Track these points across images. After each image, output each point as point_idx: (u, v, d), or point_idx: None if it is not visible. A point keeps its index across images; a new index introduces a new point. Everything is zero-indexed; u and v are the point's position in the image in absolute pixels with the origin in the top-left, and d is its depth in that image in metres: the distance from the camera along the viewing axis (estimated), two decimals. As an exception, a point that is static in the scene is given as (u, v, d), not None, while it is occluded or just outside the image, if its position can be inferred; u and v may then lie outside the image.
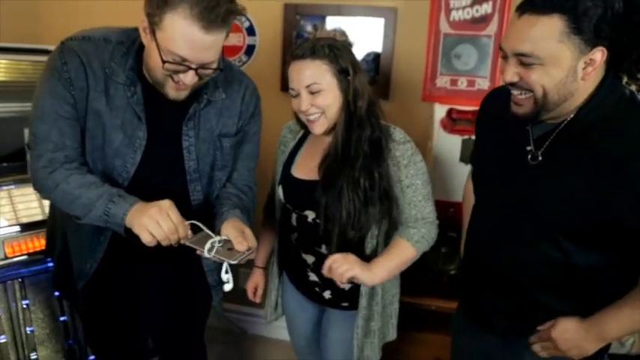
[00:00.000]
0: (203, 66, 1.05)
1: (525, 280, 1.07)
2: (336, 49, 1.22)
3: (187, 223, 1.04)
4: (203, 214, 1.22)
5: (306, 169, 1.35)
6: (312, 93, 1.22)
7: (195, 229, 1.06)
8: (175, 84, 1.07)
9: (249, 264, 1.31)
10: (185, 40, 0.99)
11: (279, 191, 1.39)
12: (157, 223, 0.99)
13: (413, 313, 1.74)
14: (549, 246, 1.02)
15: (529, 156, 1.03)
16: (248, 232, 1.07)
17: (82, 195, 1.07)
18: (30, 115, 1.14)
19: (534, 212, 1.03)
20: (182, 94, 1.11)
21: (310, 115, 1.25)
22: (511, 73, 0.95)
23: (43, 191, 1.17)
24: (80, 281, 1.29)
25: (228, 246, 1.01)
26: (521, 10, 0.92)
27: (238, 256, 0.99)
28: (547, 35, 0.89)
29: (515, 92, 0.98)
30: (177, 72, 1.05)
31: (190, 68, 1.04)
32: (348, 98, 1.23)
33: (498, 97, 1.10)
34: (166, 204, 1.02)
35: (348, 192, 1.23)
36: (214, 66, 1.08)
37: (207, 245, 1.00)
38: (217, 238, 1.02)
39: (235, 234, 1.04)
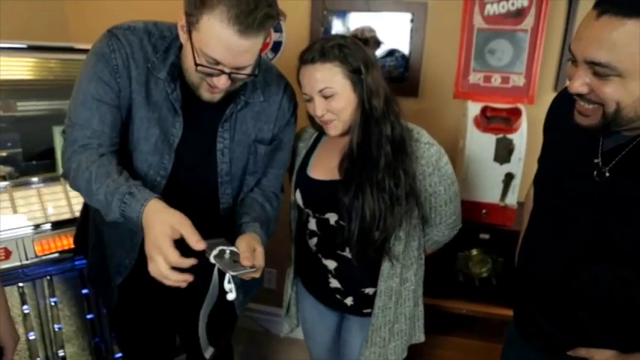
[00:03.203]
0: (237, 70, 1.03)
1: (571, 303, 0.99)
2: (346, 49, 1.17)
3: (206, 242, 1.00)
4: (230, 217, 1.19)
5: (323, 169, 1.32)
6: (325, 97, 1.19)
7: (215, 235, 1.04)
8: (209, 87, 1.06)
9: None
10: (220, 43, 0.96)
11: (297, 196, 1.36)
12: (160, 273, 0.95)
13: (441, 316, 1.71)
14: (605, 272, 0.92)
15: (595, 171, 0.92)
16: (259, 251, 1.05)
17: (98, 191, 1.03)
18: (70, 102, 1.11)
19: (594, 234, 0.92)
20: (216, 97, 1.10)
21: (325, 119, 1.23)
22: (579, 83, 0.82)
23: (68, 176, 1.11)
24: (119, 277, 1.27)
25: (235, 258, 1.00)
26: (602, 9, 0.76)
27: (240, 270, 0.99)
28: (631, 43, 0.74)
29: (581, 102, 0.86)
30: (210, 75, 1.03)
31: (223, 72, 1.01)
32: (363, 98, 1.19)
33: (569, 99, 0.96)
34: (160, 239, 0.94)
35: (372, 194, 1.20)
36: (248, 71, 1.05)
37: (215, 251, 0.99)
38: (227, 248, 1.01)
39: (245, 249, 1.02)
